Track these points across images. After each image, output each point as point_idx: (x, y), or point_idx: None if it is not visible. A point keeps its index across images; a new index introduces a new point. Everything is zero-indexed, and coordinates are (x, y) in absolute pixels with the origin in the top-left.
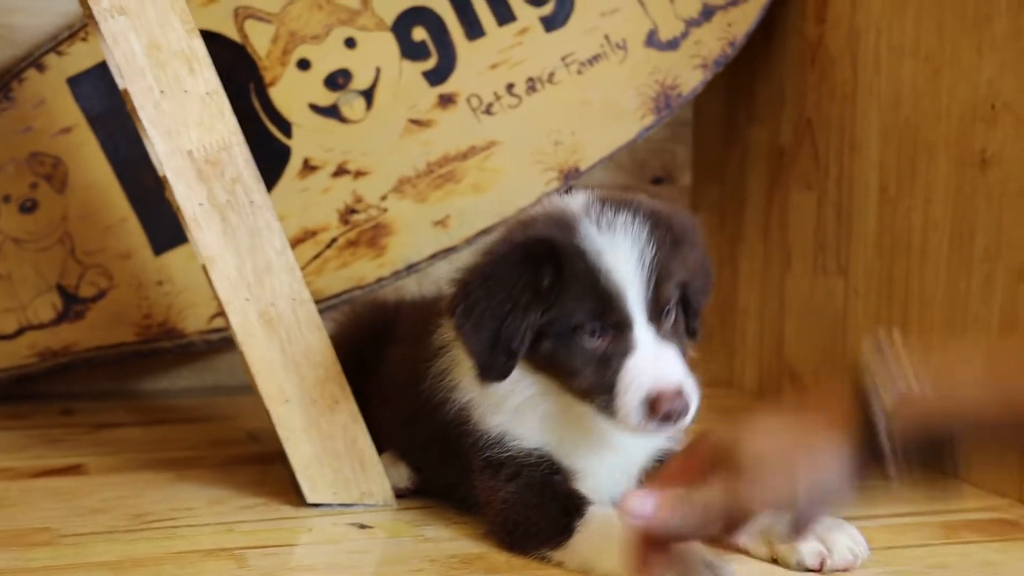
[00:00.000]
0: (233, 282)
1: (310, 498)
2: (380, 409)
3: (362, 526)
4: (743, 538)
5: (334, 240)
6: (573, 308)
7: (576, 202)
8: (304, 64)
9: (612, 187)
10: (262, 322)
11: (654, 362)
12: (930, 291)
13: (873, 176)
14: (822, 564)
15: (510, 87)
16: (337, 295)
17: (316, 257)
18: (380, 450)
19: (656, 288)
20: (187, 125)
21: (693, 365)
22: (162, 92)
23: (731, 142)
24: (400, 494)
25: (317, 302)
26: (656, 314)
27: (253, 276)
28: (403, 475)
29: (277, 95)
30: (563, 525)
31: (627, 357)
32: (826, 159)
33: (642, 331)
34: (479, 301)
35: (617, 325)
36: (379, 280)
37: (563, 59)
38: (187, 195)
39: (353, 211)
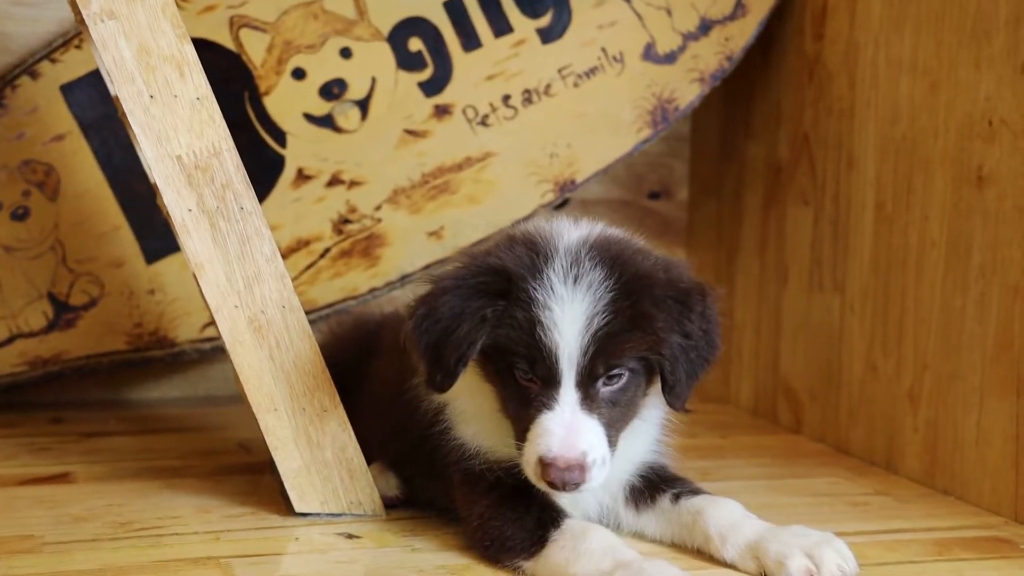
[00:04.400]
0: (222, 289)
1: (299, 507)
2: (368, 419)
3: (350, 536)
4: (731, 553)
5: (327, 250)
6: (511, 346)
7: (566, 235)
8: (299, 73)
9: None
10: (251, 329)
11: (561, 428)
12: (926, 309)
13: (870, 192)
14: None
15: (506, 99)
16: (330, 305)
17: (309, 267)
18: (369, 460)
19: (594, 358)
20: (177, 130)
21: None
22: (152, 97)
23: (728, 157)
24: (389, 504)
25: (310, 312)
26: (588, 380)
27: (243, 283)
28: (392, 484)
29: (272, 104)
30: (537, 536)
31: (542, 412)
32: (823, 175)
33: (567, 393)
34: (430, 314)
35: (543, 379)
36: (372, 290)
37: (560, 71)
38: (176, 201)
39: (347, 221)
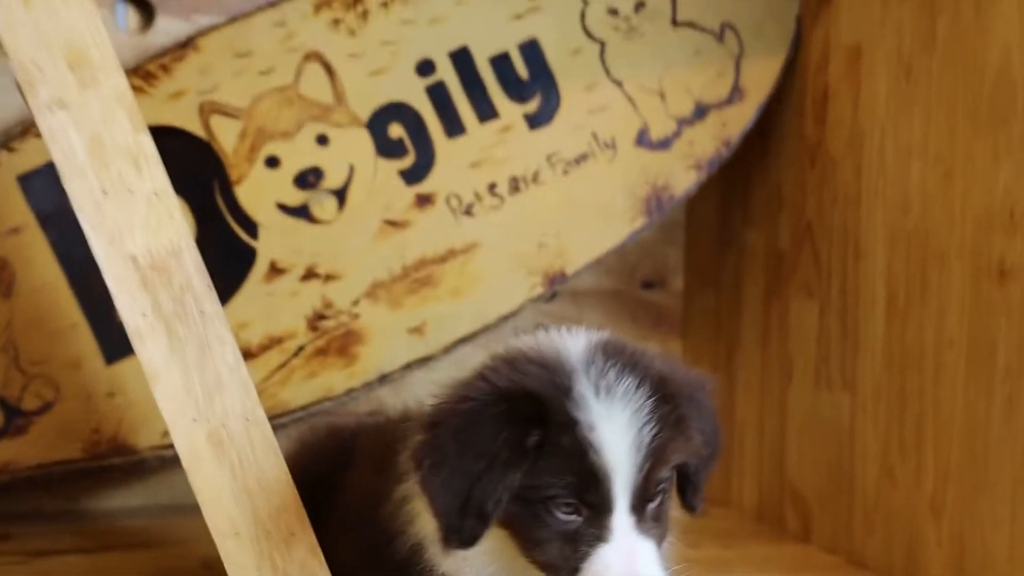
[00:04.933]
0: (179, 401)
1: None
2: (340, 541)
3: None
4: None
5: (301, 348)
6: (551, 479)
7: (573, 348)
8: (273, 161)
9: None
10: (211, 444)
11: (627, 557)
12: (946, 411)
13: (880, 285)
14: None
15: (492, 187)
16: (304, 407)
17: (282, 366)
18: None
19: (648, 474)
20: (132, 228)
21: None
22: (104, 192)
23: (726, 245)
24: None
25: (282, 415)
26: (641, 502)
27: (202, 394)
28: None
29: (243, 194)
30: None
31: (599, 544)
32: (828, 266)
33: (622, 518)
34: (450, 455)
35: (595, 507)
36: (349, 391)
37: (548, 158)
38: (130, 305)
39: (322, 317)
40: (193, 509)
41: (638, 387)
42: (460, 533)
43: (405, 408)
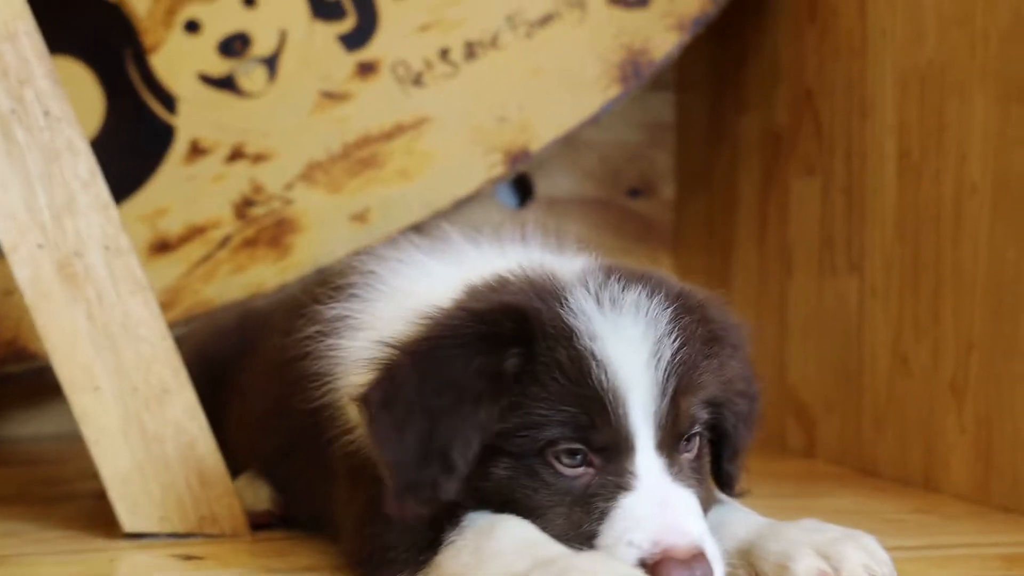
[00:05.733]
0: (20, 222)
1: (129, 526)
2: (242, 417)
3: (188, 557)
4: None
5: (228, 238)
6: (545, 416)
7: (569, 267)
8: (193, 26)
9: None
10: (61, 278)
11: (661, 509)
12: (968, 273)
13: (890, 141)
14: None
15: (444, 53)
16: (230, 306)
17: (205, 259)
18: (237, 472)
19: (675, 400)
20: None
21: None
22: None
23: (719, 140)
24: (260, 522)
25: (207, 314)
26: (672, 440)
27: (49, 215)
28: (263, 497)
29: (160, 63)
30: (428, 541)
31: (620, 496)
32: (830, 134)
33: (648, 461)
34: (405, 390)
35: (610, 448)
36: (282, 287)
37: (508, 19)
38: None
39: (251, 203)
40: None
41: (651, 296)
42: (418, 489)
43: (323, 278)
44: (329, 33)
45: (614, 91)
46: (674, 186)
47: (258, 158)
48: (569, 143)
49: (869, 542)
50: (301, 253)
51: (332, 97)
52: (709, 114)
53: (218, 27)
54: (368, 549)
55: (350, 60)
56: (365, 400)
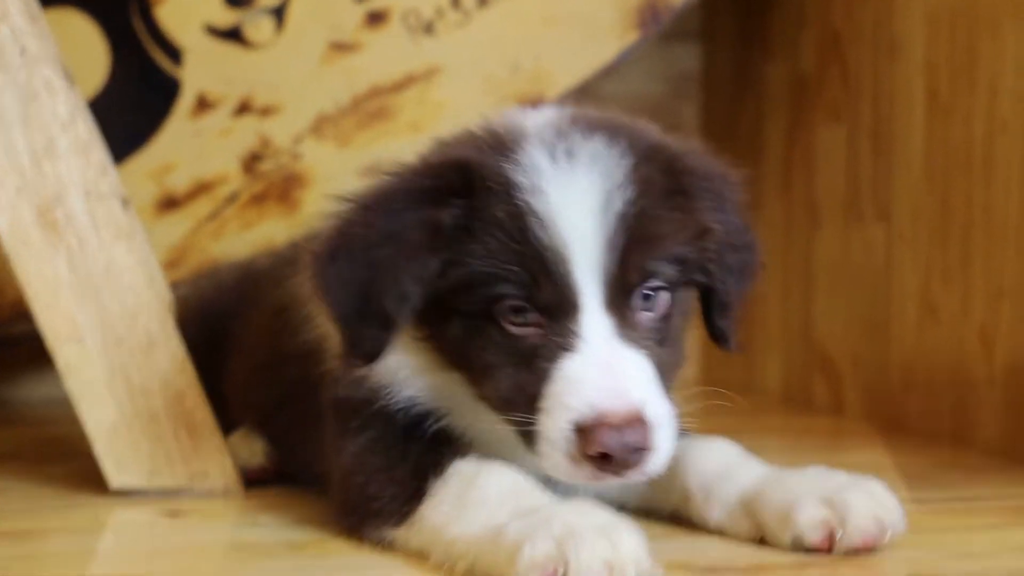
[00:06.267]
0: None
1: (115, 482)
2: (235, 366)
3: (173, 513)
4: (716, 514)
5: (235, 194)
6: (488, 273)
7: (535, 118)
8: None
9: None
10: (41, 225)
11: (600, 371)
12: (999, 215)
13: (919, 81)
14: (831, 540)
15: (456, 1)
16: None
17: (213, 216)
18: (230, 429)
19: (625, 256)
20: None
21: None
22: None
23: (744, 89)
24: (253, 478)
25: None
26: (621, 297)
27: (28, 159)
28: (257, 451)
29: (165, 15)
30: (412, 491)
31: (562, 357)
32: (857, 78)
33: (593, 320)
34: (348, 243)
35: (553, 307)
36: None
37: None
38: None
39: (259, 158)
40: None
41: (611, 146)
42: (360, 342)
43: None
44: None
45: (631, 37)
46: (699, 138)
47: (266, 111)
48: (592, 96)
49: (877, 488)
50: (311, 209)
51: (341, 48)
52: (734, 63)
53: None
54: (353, 500)
55: (359, 9)
56: (315, 254)
